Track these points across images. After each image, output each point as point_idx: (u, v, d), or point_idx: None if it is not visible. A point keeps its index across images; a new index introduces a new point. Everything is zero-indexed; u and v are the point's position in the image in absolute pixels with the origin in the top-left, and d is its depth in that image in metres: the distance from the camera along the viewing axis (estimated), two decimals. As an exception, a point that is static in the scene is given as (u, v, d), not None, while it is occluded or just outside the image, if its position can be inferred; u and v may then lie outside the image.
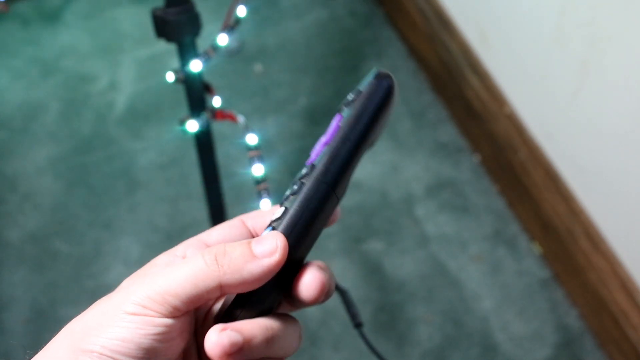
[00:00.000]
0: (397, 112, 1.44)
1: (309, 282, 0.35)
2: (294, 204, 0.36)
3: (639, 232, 1.05)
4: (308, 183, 0.37)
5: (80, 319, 0.35)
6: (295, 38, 1.55)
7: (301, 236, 0.36)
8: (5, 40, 1.55)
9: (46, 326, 1.17)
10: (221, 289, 0.34)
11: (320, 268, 0.36)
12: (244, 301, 0.36)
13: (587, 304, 1.17)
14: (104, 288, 1.26)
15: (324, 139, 0.38)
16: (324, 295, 0.36)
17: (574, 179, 1.15)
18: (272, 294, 0.36)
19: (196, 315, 0.38)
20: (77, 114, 1.43)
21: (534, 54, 1.15)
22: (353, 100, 0.38)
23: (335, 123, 0.38)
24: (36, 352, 0.36)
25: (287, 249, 0.35)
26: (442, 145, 1.39)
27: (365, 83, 0.39)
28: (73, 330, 0.35)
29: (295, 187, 0.37)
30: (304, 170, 0.38)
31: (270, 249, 0.35)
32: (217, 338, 0.33)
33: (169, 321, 0.34)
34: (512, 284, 1.22)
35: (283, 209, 0.36)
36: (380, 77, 0.39)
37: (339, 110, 0.39)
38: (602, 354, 1.15)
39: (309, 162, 0.38)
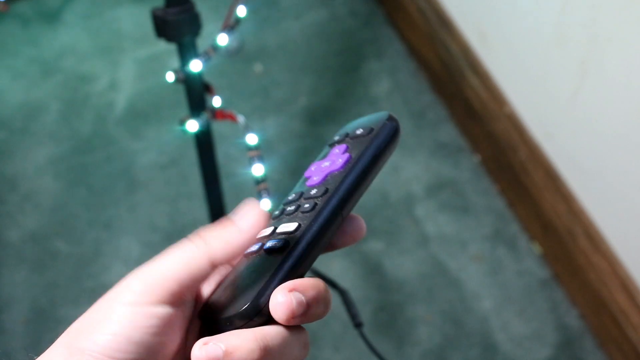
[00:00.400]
0: (397, 112, 1.44)
1: (278, 303, 0.35)
2: (311, 222, 0.37)
3: (639, 232, 1.05)
4: (323, 205, 0.38)
5: (79, 318, 0.36)
6: (295, 38, 1.55)
7: (310, 254, 0.37)
8: (5, 40, 1.55)
9: (46, 326, 1.17)
10: (211, 262, 0.35)
11: (296, 289, 0.35)
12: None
13: (587, 304, 1.17)
14: (104, 288, 1.26)
15: (327, 164, 0.40)
16: (294, 319, 0.35)
17: (574, 179, 1.15)
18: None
19: (192, 319, 0.38)
20: (77, 114, 1.43)
21: (534, 54, 1.15)
22: (365, 135, 0.41)
23: (342, 153, 0.41)
24: (37, 353, 0.36)
25: (266, 216, 0.37)
26: (442, 145, 1.39)
27: (377, 122, 0.41)
28: (69, 330, 0.35)
29: (308, 205, 0.38)
30: (312, 191, 0.39)
31: (248, 215, 0.36)
32: (198, 352, 0.33)
33: (163, 310, 0.34)
34: (512, 284, 1.22)
35: (296, 224, 0.37)
36: (392, 120, 0.41)
37: (337, 142, 0.42)
38: (602, 354, 1.15)
39: (311, 183, 0.40)
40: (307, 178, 0.41)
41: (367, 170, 0.39)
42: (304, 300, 0.35)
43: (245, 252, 0.39)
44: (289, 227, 0.38)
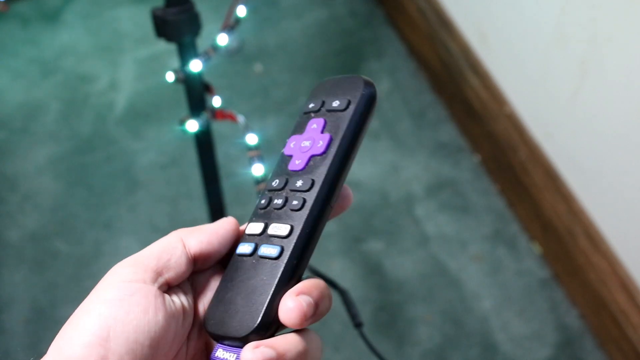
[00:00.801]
0: (397, 112, 1.44)
1: (289, 309, 0.36)
2: (303, 225, 0.37)
3: (639, 232, 1.05)
4: (313, 204, 0.38)
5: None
6: (295, 38, 1.55)
7: (306, 256, 0.38)
8: (5, 40, 1.55)
9: (46, 326, 1.17)
10: (182, 241, 0.38)
11: (303, 292, 0.36)
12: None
13: (587, 304, 1.17)
14: (104, 288, 1.26)
15: (307, 145, 0.39)
16: (306, 321, 0.36)
17: (574, 179, 1.15)
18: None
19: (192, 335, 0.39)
20: (77, 114, 1.43)
21: (534, 54, 1.15)
22: (343, 110, 0.39)
23: (321, 131, 0.39)
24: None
25: (234, 221, 0.40)
26: (442, 145, 1.39)
27: (354, 92, 0.40)
28: (61, 330, 0.36)
29: (296, 202, 0.38)
30: (298, 182, 0.38)
31: (224, 219, 0.40)
32: (251, 355, 0.34)
33: (143, 285, 0.36)
34: (512, 283, 1.22)
35: (289, 226, 0.37)
36: (367, 86, 0.40)
37: (313, 112, 0.41)
38: (602, 354, 1.15)
39: (294, 167, 0.39)
40: (289, 157, 0.40)
41: (350, 151, 0.39)
42: (312, 301, 0.36)
43: (238, 252, 0.39)
44: (281, 230, 0.38)
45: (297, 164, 0.39)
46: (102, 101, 1.45)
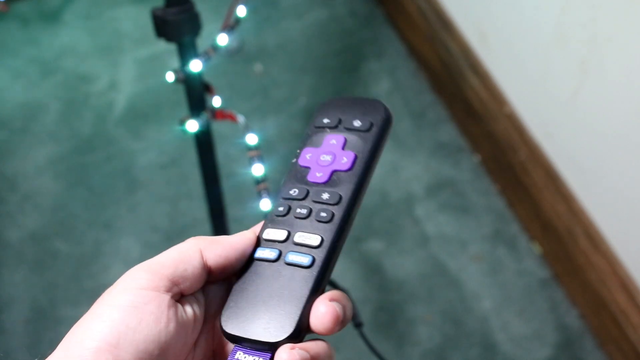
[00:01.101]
0: (397, 112, 1.44)
1: (322, 314, 0.37)
2: (333, 236, 0.39)
3: (639, 232, 1.05)
4: (342, 217, 0.39)
5: (74, 325, 0.36)
6: (295, 38, 1.55)
7: (333, 266, 0.39)
8: (5, 40, 1.55)
9: (46, 326, 1.17)
10: (201, 253, 0.38)
11: (334, 299, 0.37)
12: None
13: (587, 304, 1.17)
14: (103, 288, 1.26)
15: (328, 159, 0.41)
16: (338, 326, 0.37)
17: (574, 179, 1.15)
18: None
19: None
20: (77, 114, 1.43)
21: (534, 54, 1.15)
22: (365, 131, 0.42)
23: (342, 148, 0.41)
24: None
25: (254, 234, 0.40)
26: (442, 145, 1.39)
27: (376, 116, 0.42)
28: (75, 325, 0.36)
29: (325, 215, 0.39)
30: (323, 194, 0.40)
31: (243, 232, 0.40)
32: (289, 356, 0.35)
33: (160, 295, 0.35)
34: (512, 284, 1.22)
35: (319, 237, 0.39)
36: (387, 112, 0.43)
37: (330, 128, 0.42)
38: (602, 354, 1.15)
39: (315, 179, 0.41)
40: (305, 168, 0.42)
41: (373, 170, 0.41)
42: (342, 307, 0.37)
43: (257, 257, 0.39)
44: (311, 240, 0.39)
45: (318, 176, 0.41)
46: (102, 101, 1.45)
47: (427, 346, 1.16)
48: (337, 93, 1.46)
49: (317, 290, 0.38)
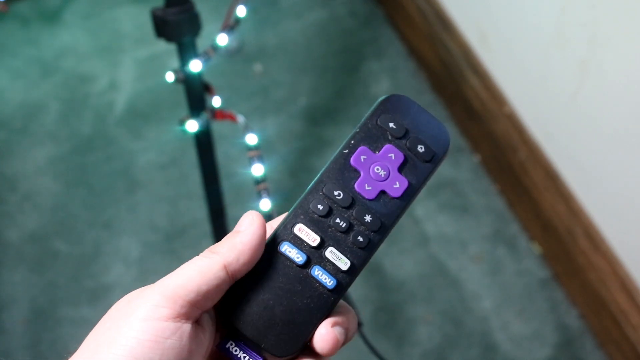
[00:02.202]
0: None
1: (323, 337, 0.37)
2: (362, 265, 0.38)
3: (639, 232, 1.05)
4: (375, 246, 0.39)
5: (93, 333, 0.35)
6: (295, 38, 1.55)
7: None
8: (5, 40, 1.55)
9: (46, 326, 1.17)
10: (226, 269, 0.36)
11: (337, 324, 0.37)
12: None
13: (587, 304, 1.17)
14: (103, 288, 1.27)
15: (382, 175, 0.39)
16: (337, 349, 0.37)
17: (574, 179, 1.15)
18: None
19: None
20: (77, 114, 1.43)
21: (534, 54, 1.15)
22: (427, 161, 0.40)
23: (397, 170, 0.40)
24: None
25: (261, 217, 0.38)
26: (442, 145, 1.39)
27: (440, 146, 0.41)
28: (83, 348, 0.35)
29: (362, 239, 0.38)
30: (366, 216, 0.39)
31: (249, 221, 0.37)
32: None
33: (181, 325, 0.34)
34: (512, 284, 1.22)
35: (349, 263, 0.38)
36: (448, 146, 0.42)
37: (394, 137, 0.40)
38: (602, 354, 1.15)
39: (363, 191, 0.39)
40: (355, 171, 0.39)
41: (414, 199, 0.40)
42: (344, 331, 0.38)
43: (283, 252, 0.38)
44: (342, 262, 0.38)
45: (367, 189, 0.39)
46: (102, 101, 1.45)
47: (427, 346, 1.16)
48: (337, 93, 1.46)
49: (330, 314, 0.38)
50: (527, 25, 1.15)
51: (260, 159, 0.84)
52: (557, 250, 1.21)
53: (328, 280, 0.37)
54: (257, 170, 0.84)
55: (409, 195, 0.40)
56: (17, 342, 1.15)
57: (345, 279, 0.38)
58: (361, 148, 0.40)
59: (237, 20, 0.85)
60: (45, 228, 1.29)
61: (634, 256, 1.07)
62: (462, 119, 1.40)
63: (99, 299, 1.18)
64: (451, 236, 1.27)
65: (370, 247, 0.38)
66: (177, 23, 0.76)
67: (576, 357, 1.15)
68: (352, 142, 0.40)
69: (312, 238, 0.38)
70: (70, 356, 0.35)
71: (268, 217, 0.86)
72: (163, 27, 0.77)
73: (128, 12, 1.58)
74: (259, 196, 0.84)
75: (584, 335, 1.17)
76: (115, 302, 0.36)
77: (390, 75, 1.49)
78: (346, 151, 0.39)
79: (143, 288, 0.36)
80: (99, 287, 1.20)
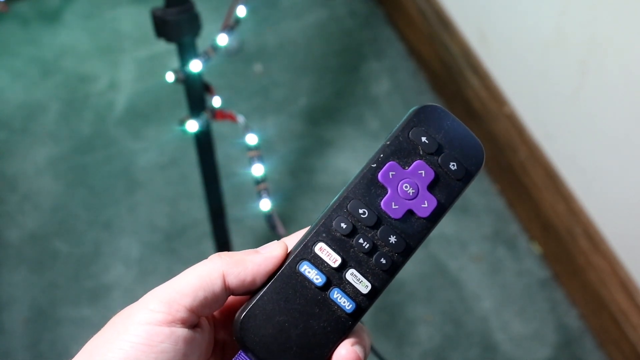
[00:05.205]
0: (397, 112, 1.44)
1: (344, 356, 0.36)
2: (382, 288, 0.37)
3: (639, 232, 1.05)
4: (397, 269, 0.37)
5: (93, 338, 0.35)
6: (295, 38, 1.55)
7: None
8: (5, 40, 1.55)
9: (46, 326, 1.17)
10: (224, 278, 0.35)
11: (356, 343, 0.37)
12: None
13: (587, 304, 1.17)
14: (103, 288, 1.27)
15: (410, 193, 0.37)
16: None
17: (574, 179, 1.15)
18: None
19: None
20: (77, 114, 1.43)
21: (533, 54, 1.15)
22: (458, 180, 0.38)
23: (427, 189, 0.38)
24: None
25: (285, 251, 0.37)
26: (442, 145, 1.39)
27: (473, 164, 0.38)
28: (83, 351, 0.35)
29: (384, 262, 0.37)
30: (391, 237, 0.37)
31: (272, 249, 0.37)
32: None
33: (178, 331, 0.34)
34: (512, 284, 1.22)
35: (370, 286, 0.37)
36: (481, 165, 0.39)
37: (427, 153, 0.38)
38: (602, 354, 1.15)
39: (389, 209, 0.37)
40: (382, 187, 0.37)
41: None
42: (363, 350, 0.37)
43: (301, 271, 0.37)
44: (362, 285, 0.37)
45: (393, 208, 0.37)
46: (102, 101, 1.45)
47: (427, 346, 1.16)
48: (337, 93, 1.46)
49: (347, 333, 0.37)
50: (527, 25, 1.15)
51: (260, 159, 0.84)
52: (557, 250, 1.21)
53: (347, 304, 0.37)
54: (257, 170, 0.84)
55: (437, 215, 0.38)
56: (17, 342, 1.15)
57: (364, 302, 0.37)
58: (390, 163, 0.37)
59: (237, 20, 0.85)
60: (45, 228, 1.29)
61: (634, 256, 1.07)
62: (462, 119, 1.39)
63: (99, 299, 1.18)
64: (451, 236, 1.27)
65: (392, 270, 0.37)
66: (177, 23, 0.76)
67: (576, 357, 1.16)
68: (381, 156, 0.37)
69: (333, 259, 0.37)
70: (72, 358, 0.35)
71: (268, 217, 0.86)
72: (163, 27, 0.77)
73: (128, 12, 1.59)
74: (259, 196, 0.84)
75: (583, 335, 1.17)
76: (115, 302, 0.36)
77: (390, 75, 1.49)
78: (374, 165, 0.37)
79: (150, 292, 0.36)
80: (99, 287, 1.20)
